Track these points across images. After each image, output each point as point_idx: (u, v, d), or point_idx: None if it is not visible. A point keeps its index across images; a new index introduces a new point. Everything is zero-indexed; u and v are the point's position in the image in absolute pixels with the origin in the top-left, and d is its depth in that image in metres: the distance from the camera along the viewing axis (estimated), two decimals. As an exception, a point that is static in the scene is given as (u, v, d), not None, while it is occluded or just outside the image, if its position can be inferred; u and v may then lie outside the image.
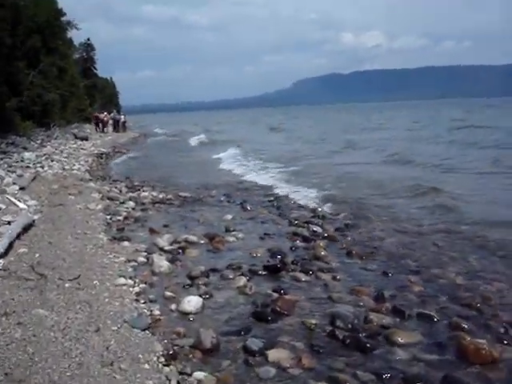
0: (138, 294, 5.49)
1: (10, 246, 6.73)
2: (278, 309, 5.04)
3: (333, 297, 5.43)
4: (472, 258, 6.76)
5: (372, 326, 4.70)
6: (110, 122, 41.99)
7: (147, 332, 4.56)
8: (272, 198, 11.46)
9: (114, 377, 3.69)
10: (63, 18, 37.61)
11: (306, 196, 11.65)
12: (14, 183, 12.20)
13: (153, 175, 16.40)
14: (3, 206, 9.25)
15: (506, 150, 20.01)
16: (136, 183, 13.86)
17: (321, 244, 7.30)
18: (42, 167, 15.92)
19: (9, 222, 7.96)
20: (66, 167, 16.94)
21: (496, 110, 67.58)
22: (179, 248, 7.28)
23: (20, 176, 13.60)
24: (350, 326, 4.68)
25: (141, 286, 5.75)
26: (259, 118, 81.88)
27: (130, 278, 5.97)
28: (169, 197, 11.49)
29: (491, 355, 4.07)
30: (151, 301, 5.35)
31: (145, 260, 6.72)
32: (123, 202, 10.82)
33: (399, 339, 4.40)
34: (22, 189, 11.50)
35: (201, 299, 5.22)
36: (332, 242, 7.63)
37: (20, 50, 28.05)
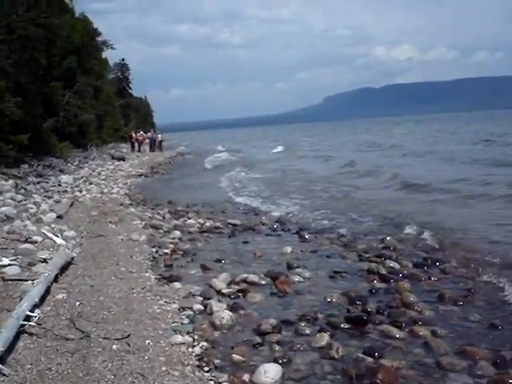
0: (199, 357, 4.48)
1: (47, 290, 5.86)
2: (380, 382, 3.97)
3: (442, 363, 4.32)
4: None
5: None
6: (147, 141, 41.60)
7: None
8: (330, 226, 10.37)
9: None
10: (98, 38, 37.59)
11: (362, 222, 10.56)
12: (52, 210, 11.48)
13: (194, 197, 15.59)
14: (39, 239, 8.44)
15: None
16: (179, 208, 12.95)
17: (404, 286, 6.18)
18: (80, 191, 15.24)
19: (45, 260, 7.12)
20: (105, 190, 16.24)
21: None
22: (239, 291, 6.27)
23: (57, 202, 12.91)
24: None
25: (201, 344, 4.74)
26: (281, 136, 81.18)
27: (188, 333, 4.98)
28: (217, 224, 10.53)
29: None
30: (217, 367, 4.35)
31: (201, 307, 5.73)
32: (168, 232, 9.92)
33: None
34: (59, 217, 10.73)
35: (279, 368, 4.18)
36: (415, 281, 6.53)
37: (56, 70, 27.83)
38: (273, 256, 8.07)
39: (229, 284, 6.56)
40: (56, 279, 6.33)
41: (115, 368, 4.10)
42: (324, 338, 4.74)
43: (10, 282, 6.10)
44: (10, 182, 14.57)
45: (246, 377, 4.15)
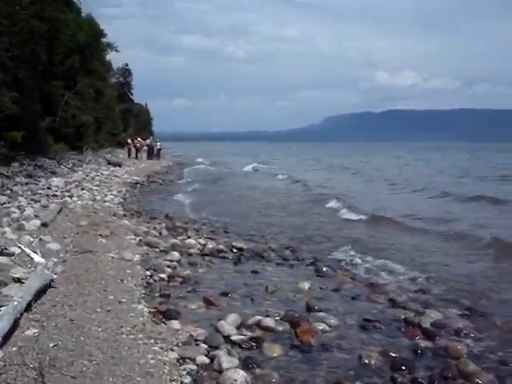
0: None
1: (16, 322, 4.68)
2: None
3: None
4: None
5: None
6: (144, 148, 40.38)
7: None
8: (346, 258, 9.19)
9: None
10: (103, 40, 36.57)
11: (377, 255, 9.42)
12: (36, 216, 10.30)
13: (193, 211, 14.49)
14: (17, 251, 7.26)
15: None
16: (177, 223, 11.73)
17: (458, 348, 5.01)
18: (71, 197, 14.02)
19: (19, 280, 5.93)
20: (97, 197, 15.03)
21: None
22: (252, 339, 5.08)
23: (44, 207, 11.72)
24: None
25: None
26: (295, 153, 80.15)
27: (191, 399, 3.81)
28: (220, 247, 9.32)
29: None
30: None
31: (207, 360, 4.54)
32: (165, 251, 8.73)
33: None
34: (44, 225, 9.53)
35: None
36: (466, 338, 5.37)
37: (57, 68, 26.79)
38: (288, 292, 6.87)
39: (239, 327, 5.39)
40: (29, 306, 5.15)
41: None
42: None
43: (-31, 309, 4.91)
44: (-4, 181, 13.39)
45: None
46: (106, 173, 23.84)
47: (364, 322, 5.80)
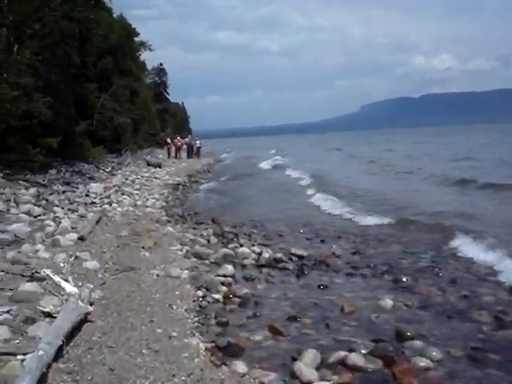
0: None
1: (42, 378, 3.70)
2: None
3: None
4: None
5: None
6: (184, 147, 39.60)
7: None
8: (426, 264, 7.93)
9: None
10: (136, 39, 35.89)
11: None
12: (73, 228, 9.42)
13: (240, 212, 13.50)
14: (49, 274, 6.31)
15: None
16: (226, 229, 10.68)
17: None
18: (110, 203, 13.14)
19: (50, 314, 4.97)
20: (138, 202, 14.15)
21: None
22: (340, 386, 3.98)
23: (82, 217, 10.84)
24: None
25: None
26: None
27: None
28: (278, 255, 8.18)
29: None
30: None
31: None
32: (216, 263, 7.69)
33: None
34: (80, 239, 8.61)
35: None
36: None
37: (91, 70, 26.17)
38: (368, 312, 5.71)
39: (319, 368, 4.27)
40: (60, 350, 4.17)
41: None
42: None
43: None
44: (32, 190, 12.60)
45: None
46: (147, 175, 23.06)
47: (471, 351, 4.60)
